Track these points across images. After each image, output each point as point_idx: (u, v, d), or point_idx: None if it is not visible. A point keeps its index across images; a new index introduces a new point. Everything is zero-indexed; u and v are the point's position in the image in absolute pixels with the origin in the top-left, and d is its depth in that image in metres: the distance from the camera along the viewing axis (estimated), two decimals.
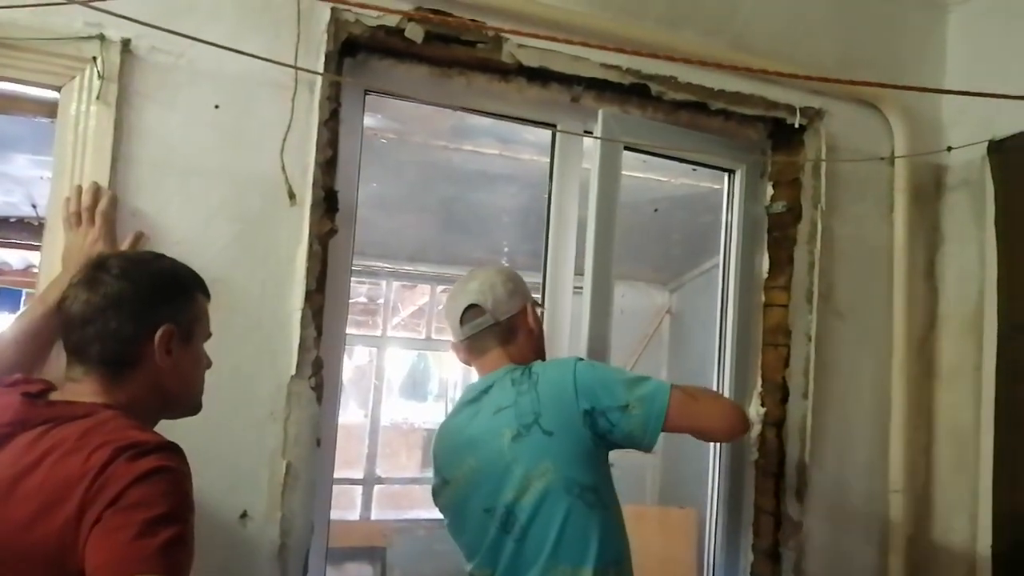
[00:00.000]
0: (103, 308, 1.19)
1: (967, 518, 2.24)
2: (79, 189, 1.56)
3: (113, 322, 1.19)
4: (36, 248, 4.68)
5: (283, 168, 1.74)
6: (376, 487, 4.83)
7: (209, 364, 1.34)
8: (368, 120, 2.62)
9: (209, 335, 1.34)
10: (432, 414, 6.83)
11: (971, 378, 2.27)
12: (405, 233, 4.12)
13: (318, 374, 1.78)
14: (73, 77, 1.61)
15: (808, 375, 2.25)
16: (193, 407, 1.31)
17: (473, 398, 1.69)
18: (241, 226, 1.72)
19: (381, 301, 5.33)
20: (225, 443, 1.68)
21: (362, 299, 6.22)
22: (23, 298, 6.22)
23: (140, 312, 1.21)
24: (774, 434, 2.27)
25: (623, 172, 2.13)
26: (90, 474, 1.03)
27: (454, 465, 1.66)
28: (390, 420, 6.41)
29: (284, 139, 1.73)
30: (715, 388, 2.37)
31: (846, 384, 2.31)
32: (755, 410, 2.31)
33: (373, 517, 4.69)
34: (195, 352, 1.30)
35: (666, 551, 4.09)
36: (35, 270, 5.44)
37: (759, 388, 2.33)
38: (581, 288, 2.12)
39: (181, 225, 1.67)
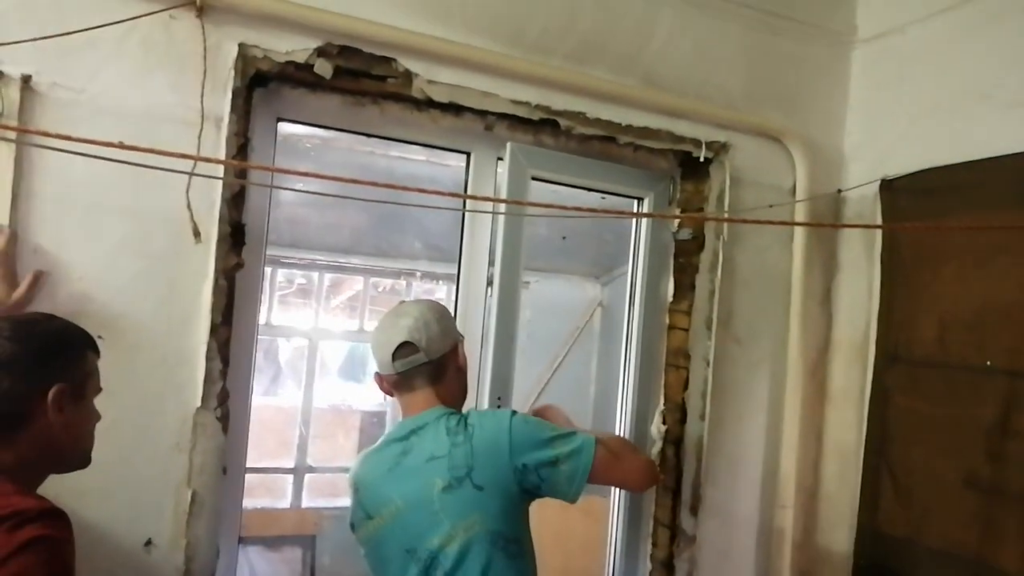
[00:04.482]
0: None
1: (847, 532, 2.39)
2: None
3: (5, 383, 1.23)
4: None
5: (188, 206, 1.77)
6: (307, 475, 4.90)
7: (99, 418, 1.38)
8: (290, 128, 2.62)
9: (100, 390, 1.38)
10: (370, 395, 6.91)
11: (857, 401, 2.42)
12: (337, 228, 4.15)
13: (224, 404, 1.83)
14: None
15: (705, 397, 2.38)
16: (82, 462, 1.36)
17: (401, 437, 1.70)
18: (145, 262, 1.74)
19: (315, 285, 5.36)
20: (131, 474, 1.73)
21: (301, 281, 6.22)
22: None
23: (31, 372, 1.25)
24: (673, 452, 2.39)
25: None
26: None
27: (379, 503, 1.67)
28: (328, 402, 6.44)
29: (190, 176, 1.75)
30: (620, 405, 2.49)
31: (741, 406, 2.45)
32: (657, 428, 2.43)
33: (304, 505, 4.78)
34: (87, 409, 1.34)
35: (588, 535, 4.25)
36: None
37: (661, 407, 2.45)
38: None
39: (83, 261, 1.70)
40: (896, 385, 2.27)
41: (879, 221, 2.37)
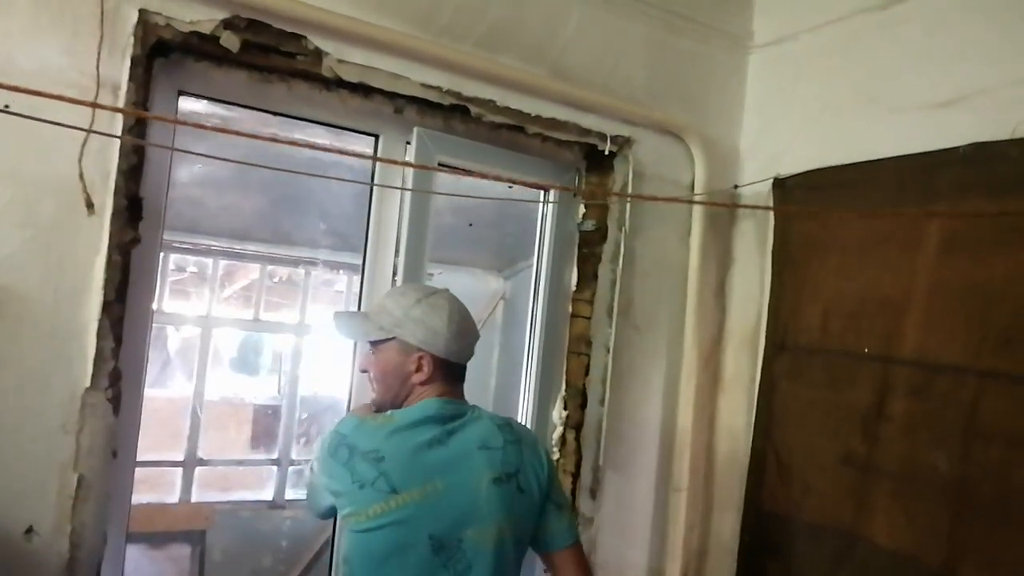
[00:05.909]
0: None
1: (736, 512, 2.51)
2: None
3: None
4: None
5: (81, 175, 1.68)
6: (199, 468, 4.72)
7: None
8: (192, 105, 2.52)
9: None
10: (265, 388, 6.73)
11: (747, 387, 2.55)
12: (235, 212, 4.02)
13: (116, 385, 1.75)
14: None
15: (605, 383, 2.45)
16: None
17: (439, 418, 1.59)
18: (31, 232, 1.65)
19: (209, 273, 5.17)
20: (11, 455, 1.64)
21: (192, 269, 6.00)
22: None
23: None
24: (573, 436, 2.45)
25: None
26: None
27: (412, 479, 1.52)
28: (219, 395, 6.24)
29: (83, 145, 1.67)
30: (522, 390, 2.53)
31: (639, 391, 2.53)
32: (558, 413, 2.48)
33: (194, 499, 4.60)
34: None
35: None
36: None
37: (563, 392, 2.50)
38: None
39: None
40: (783, 372, 2.40)
41: (771, 217, 2.50)
